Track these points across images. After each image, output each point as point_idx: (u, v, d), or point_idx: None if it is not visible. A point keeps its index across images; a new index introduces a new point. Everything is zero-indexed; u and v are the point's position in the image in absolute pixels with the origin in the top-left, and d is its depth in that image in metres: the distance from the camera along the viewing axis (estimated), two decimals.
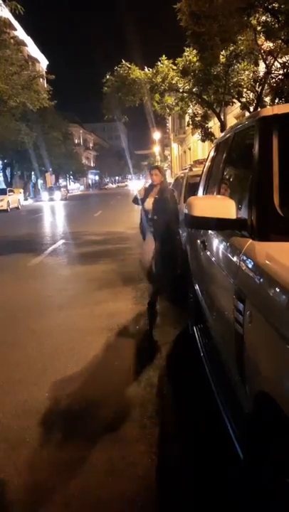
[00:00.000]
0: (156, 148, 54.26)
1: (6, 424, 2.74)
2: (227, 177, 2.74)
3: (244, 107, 12.36)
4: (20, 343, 4.16)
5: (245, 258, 1.75)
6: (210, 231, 2.67)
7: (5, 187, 32.19)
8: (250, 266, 1.69)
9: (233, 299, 1.79)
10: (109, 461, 2.34)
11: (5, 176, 37.41)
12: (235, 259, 1.88)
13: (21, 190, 33.86)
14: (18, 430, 2.68)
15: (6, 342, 4.22)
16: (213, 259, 2.50)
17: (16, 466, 2.34)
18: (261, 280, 1.53)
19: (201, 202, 2.08)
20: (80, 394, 3.10)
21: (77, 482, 2.20)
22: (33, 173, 44.39)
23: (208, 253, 2.66)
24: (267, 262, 1.56)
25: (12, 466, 2.34)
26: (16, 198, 29.35)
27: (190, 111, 15.28)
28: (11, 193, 28.78)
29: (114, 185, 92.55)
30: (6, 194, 27.80)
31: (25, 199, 36.89)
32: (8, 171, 37.61)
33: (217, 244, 2.47)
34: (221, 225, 2.03)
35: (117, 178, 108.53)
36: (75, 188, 67.67)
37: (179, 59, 13.18)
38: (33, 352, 3.93)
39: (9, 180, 37.27)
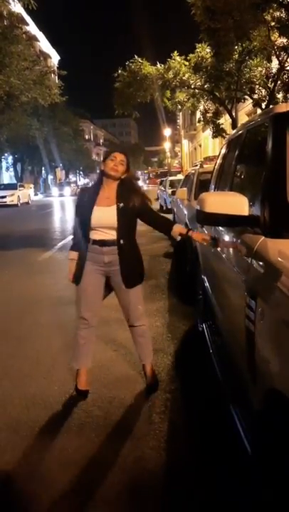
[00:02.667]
0: (167, 145, 54.14)
1: (15, 417, 2.77)
2: (239, 174, 2.72)
3: (256, 103, 12.28)
4: (30, 337, 4.20)
5: (257, 255, 1.75)
6: (221, 227, 2.66)
7: (15, 182, 32.39)
8: (262, 263, 1.68)
9: (244, 296, 1.78)
10: (117, 456, 2.35)
11: (16, 171, 37.62)
12: (247, 256, 1.88)
13: (32, 185, 34.01)
14: (27, 423, 2.70)
15: (16, 336, 4.25)
16: (224, 256, 2.49)
17: (25, 458, 2.36)
18: (274, 277, 1.52)
19: (213, 198, 2.07)
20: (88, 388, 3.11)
21: (85, 476, 2.21)
22: (43, 168, 44.60)
23: (219, 250, 2.65)
24: (279, 259, 1.55)
25: (22, 458, 2.36)
26: (27, 193, 29.53)
27: (201, 107, 15.21)
28: (21, 188, 28.97)
29: None
30: (16, 189, 28.02)
31: (36, 194, 37.09)
32: (18, 166, 37.80)
33: (228, 241, 2.46)
34: (233, 222, 2.02)
35: None
36: (85, 183, 67.84)
37: (191, 55, 13.11)
38: (41, 346, 3.96)
39: (20, 175, 37.46)
